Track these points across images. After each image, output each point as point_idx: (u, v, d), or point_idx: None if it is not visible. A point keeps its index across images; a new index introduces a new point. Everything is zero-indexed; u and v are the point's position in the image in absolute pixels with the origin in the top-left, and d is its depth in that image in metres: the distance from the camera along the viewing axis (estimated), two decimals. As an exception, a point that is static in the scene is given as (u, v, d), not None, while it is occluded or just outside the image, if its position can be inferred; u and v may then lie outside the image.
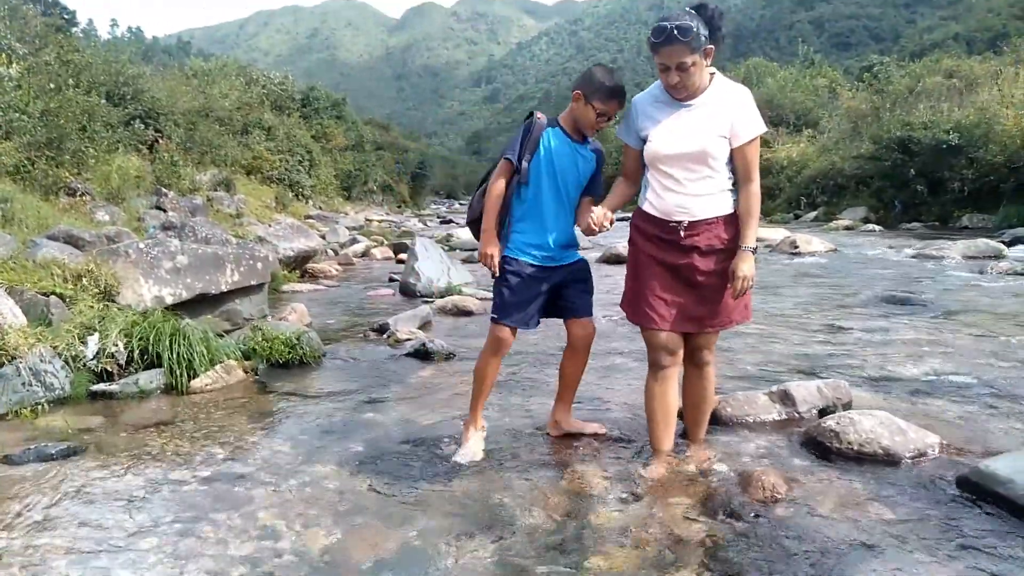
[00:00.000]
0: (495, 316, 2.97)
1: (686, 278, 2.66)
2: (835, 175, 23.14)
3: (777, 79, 34.67)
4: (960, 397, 3.62)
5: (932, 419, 3.25)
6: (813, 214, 22.55)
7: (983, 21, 67.42)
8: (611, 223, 2.73)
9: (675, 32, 2.40)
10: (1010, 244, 11.21)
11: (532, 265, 2.90)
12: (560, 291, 2.99)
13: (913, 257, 10.48)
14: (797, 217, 23.03)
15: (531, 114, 2.97)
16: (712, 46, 2.50)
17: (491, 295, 7.71)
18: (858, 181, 21.84)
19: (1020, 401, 3.53)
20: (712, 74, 2.60)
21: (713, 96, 2.58)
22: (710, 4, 2.49)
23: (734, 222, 2.63)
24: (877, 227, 17.74)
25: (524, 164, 2.88)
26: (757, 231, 2.64)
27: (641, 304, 2.74)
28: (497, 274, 2.92)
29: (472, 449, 2.97)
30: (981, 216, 16.86)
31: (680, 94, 2.56)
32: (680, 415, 3.00)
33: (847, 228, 17.92)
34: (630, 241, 2.81)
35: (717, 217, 2.61)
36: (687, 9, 2.48)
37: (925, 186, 18.28)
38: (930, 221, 18.04)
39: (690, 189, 2.59)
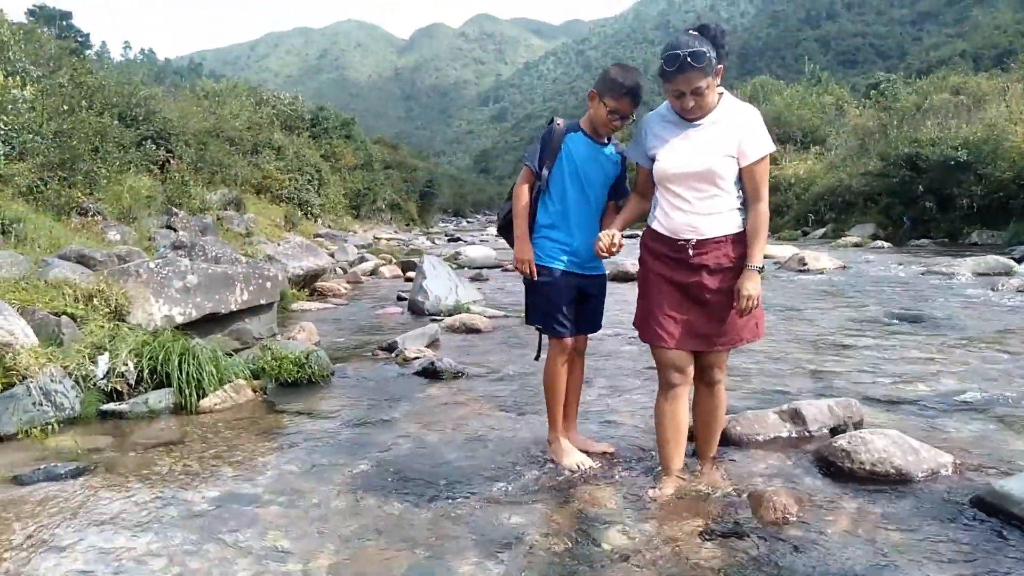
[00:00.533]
0: (540, 327, 3.03)
1: (695, 296, 2.65)
2: (843, 192, 23.13)
3: (784, 97, 34.79)
4: (972, 416, 3.59)
5: (945, 438, 3.22)
6: (821, 231, 22.50)
7: (989, 38, 67.57)
8: (619, 247, 2.74)
9: (688, 59, 2.42)
10: (1020, 261, 11.14)
11: (563, 272, 2.95)
12: (580, 303, 3.01)
13: (922, 274, 10.42)
14: (805, 234, 23.00)
15: (551, 120, 3.00)
16: (721, 66, 2.51)
17: (499, 313, 7.71)
18: (866, 198, 21.81)
19: (1034, 420, 3.49)
20: (720, 93, 2.61)
21: (721, 115, 2.59)
22: (711, 25, 2.51)
23: (742, 240, 2.62)
24: (886, 244, 17.68)
25: (544, 172, 2.92)
26: (764, 250, 2.64)
27: (650, 322, 2.73)
28: (534, 277, 2.95)
29: (572, 456, 3.01)
30: (990, 232, 16.79)
31: (694, 116, 2.58)
32: (691, 434, 2.98)
33: (856, 245, 17.86)
34: (640, 260, 2.81)
35: (726, 236, 2.61)
36: (691, 32, 2.49)
37: (934, 203, 18.24)
38: (939, 238, 17.97)
39: (698, 208, 2.59)
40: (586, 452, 3.14)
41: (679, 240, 2.63)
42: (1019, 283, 8.50)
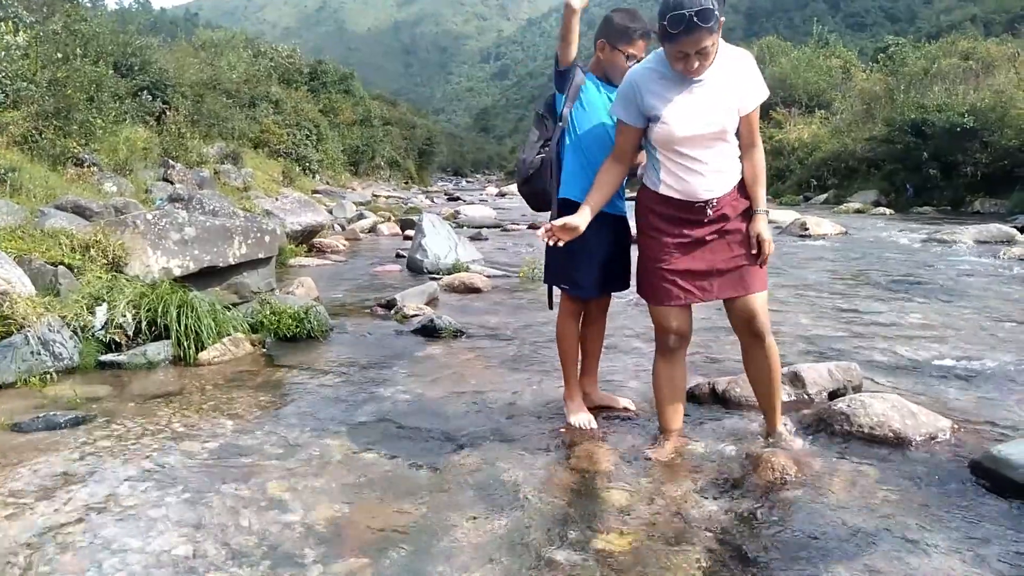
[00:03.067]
0: (566, 286, 2.96)
1: (713, 246, 2.57)
2: (847, 157, 22.92)
3: (791, 59, 34.18)
4: (971, 381, 3.60)
5: (943, 403, 3.22)
6: (823, 196, 22.37)
7: (1001, 3, 66.24)
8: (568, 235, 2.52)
9: (695, 19, 2.23)
10: (1023, 230, 11.09)
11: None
12: (608, 253, 2.92)
13: (924, 241, 10.38)
14: (807, 199, 22.86)
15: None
16: (723, 18, 2.34)
17: (499, 273, 7.67)
18: (870, 164, 21.63)
19: (1032, 387, 3.49)
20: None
21: (722, 67, 2.45)
22: None
23: (742, 184, 2.59)
24: (888, 210, 17.59)
25: (566, 110, 2.86)
26: (762, 193, 2.62)
27: (660, 282, 2.63)
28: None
29: (578, 416, 3.01)
30: (994, 201, 16.69)
31: (696, 74, 2.42)
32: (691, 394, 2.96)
33: (857, 211, 17.78)
34: (642, 224, 2.68)
35: (734, 186, 2.57)
36: None
37: (938, 170, 18.08)
38: (942, 205, 17.87)
39: (712, 167, 2.50)
40: (607, 407, 3.17)
41: (697, 203, 2.53)
42: (1021, 252, 8.47)
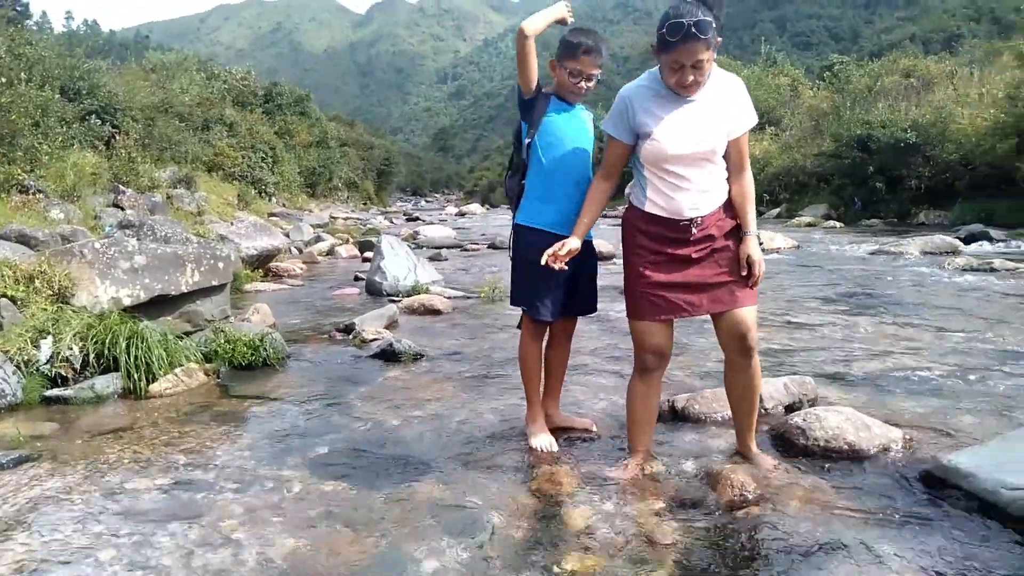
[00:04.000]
0: (524, 307, 2.96)
1: (700, 264, 2.58)
2: (797, 172, 23.57)
3: (741, 77, 34.99)
4: (922, 391, 3.69)
5: (895, 414, 3.29)
6: (776, 211, 22.91)
7: (938, 22, 69.18)
8: (568, 256, 2.61)
9: (694, 29, 2.24)
10: (966, 240, 11.50)
11: (548, 233, 2.81)
12: (574, 278, 2.92)
13: (873, 253, 10.68)
14: (760, 214, 23.25)
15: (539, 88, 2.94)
16: (720, 38, 2.37)
17: (459, 294, 7.66)
18: (819, 178, 22.27)
19: (979, 395, 3.60)
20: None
21: (714, 89, 2.49)
22: None
23: (730, 205, 2.62)
24: (838, 224, 18.09)
25: (527, 141, 2.88)
26: (751, 213, 2.66)
27: (645, 299, 2.61)
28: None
29: (539, 439, 2.99)
30: (937, 213, 17.31)
31: (692, 91, 2.44)
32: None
33: (809, 224, 18.24)
34: (629, 241, 2.67)
35: (720, 206, 2.60)
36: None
37: (884, 183, 18.69)
38: (889, 218, 18.45)
39: (699, 186, 2.52)
40: (568, 428, 3.17)
41: (682, 221, 2.54)
42: (964, 262, 8.77)
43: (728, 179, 2.62)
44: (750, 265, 2.59)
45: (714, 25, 2.29)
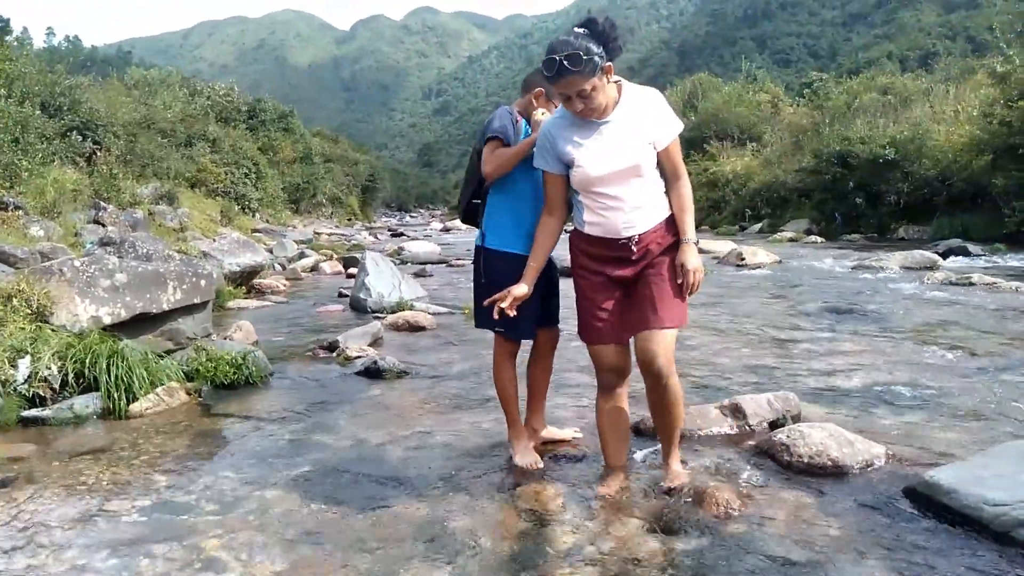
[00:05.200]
0: (500, 329, 2.93)
1: (637, 283, 2.60)
2: (778, 188, 23.81)
3: (722, 94, 35.50)
4: (903, 407, 3.72)
5: (878, 430, 3.32)
6: (758, 226, 23.12)
7: (915, 40, 70.47)
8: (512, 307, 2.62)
9: (565, 63, 2.31)
10: (944, 255, 11.66)
11: (520, 255, 2.83)
12: (544, 292, 2.95)
13: (853, 268, 10.79)
14: (743, 229, 23.59)
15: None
16: (610, 63, 2.41)
17: (444, 310, 7.63)
18: (800, 194, 22.51)
19: (960, 410, 3.63)
20: (618, 83, 2.54)
21: (627, 107, 2.53)
22: (599, 19, 2.42)
23: (672, 221, 2.62)
24: (819, 239, 18.27)
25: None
26: (690, 219, 2.61)
27: (588, 320, 2.69)
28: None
29: (524, 457, 2.99)
30: (916, 228, 17.54)
31: (589, 117, 2.50)
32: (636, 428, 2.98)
33: (791, 240, 18.42)
34: (573, 263, 2.72)
35: (659, 222, 2.60)
36: (575, 30, 2.40)
37: (863, 199, 18.92)
38: (869, 233, 18.67)
39: (631, 203, 2.54)
40: (555, 442, 3.19)
41: (620, 240, 2.58)
42: (943, 277, 8.88)
43: (666, 190, 2.64)
44: (685, 273, 2.56)
45: (592, 55, 2.33)
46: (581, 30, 2.39)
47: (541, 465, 2.97)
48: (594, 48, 2.35)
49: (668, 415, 2.71)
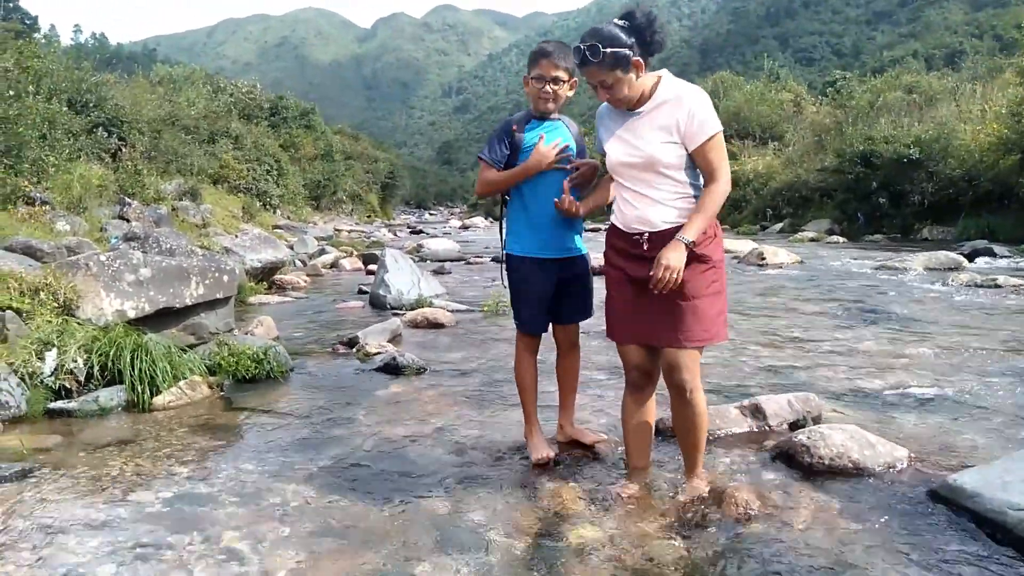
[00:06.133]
0: (516, 322, 3.10)
1: (651, 290, 2.52)
2: (800, 187, 23.58)
3: (744, 93, 35.27)
4: (926, 409, 3.67)
5: (900, 432, 3.28)
6: (779, 226, 22.91)
7: (940, 39, 69.45)
8: (578, 208, 2.82)
9: (586, 53, 2.39)
10: (970, 257, 11.48)
11: (535, 259, 2.98)
12: (562, 292, 3.02)
13: (876, 269, 10.67)
14: (764, 228, 23.39)
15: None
16: (640, 59, 2.41)
17: (462, 308, 7.65)
18: (822, 193, 22.27)
19: (984, 413, 3.59)
20: (659, 78, 2.52)
21: (660, 101, 2.50)
22: (637, 12, 2.41)
23: (705, 228, 2.50)
24: (841, 239, 18.07)
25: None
26: (701, 229, 2.43)
27: (610, 318, 2.71)
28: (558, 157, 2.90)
29: (539, 452, 2.99)
30: (941, 228, 17.29)
31: (620, 106, 2.53)
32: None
33: (812, 240, 18.23)
34: (605, 257, 2.74)
35: (680, 226, 2.48)
36: (615, 22, 2.43)
37: (887, 199, 18.68)
38: (892, 233, 18.43)
39: (650, 198, 2.52)
40: (576, 442, 3.19)
41: (633, 234, 2.57)
42: (968, 278, 8.75)
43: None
44: (656, 266, 2.39)
45: (615, 48, 2.37)
46: (621, 22, 2.43)
47: (551, 455, 2.97)
48: (624, 40, 2.38)
49: (689, 433, 2.66)
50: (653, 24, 2.41)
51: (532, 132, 2.95)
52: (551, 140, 2.92)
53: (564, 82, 2.88)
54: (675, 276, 2.38)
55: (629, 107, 2.53)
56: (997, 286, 8.21)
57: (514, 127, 2.96)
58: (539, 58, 2.87)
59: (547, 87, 2.86)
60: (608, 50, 2.37)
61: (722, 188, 2.46)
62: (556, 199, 2.86)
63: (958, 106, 21.21)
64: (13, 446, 3.21)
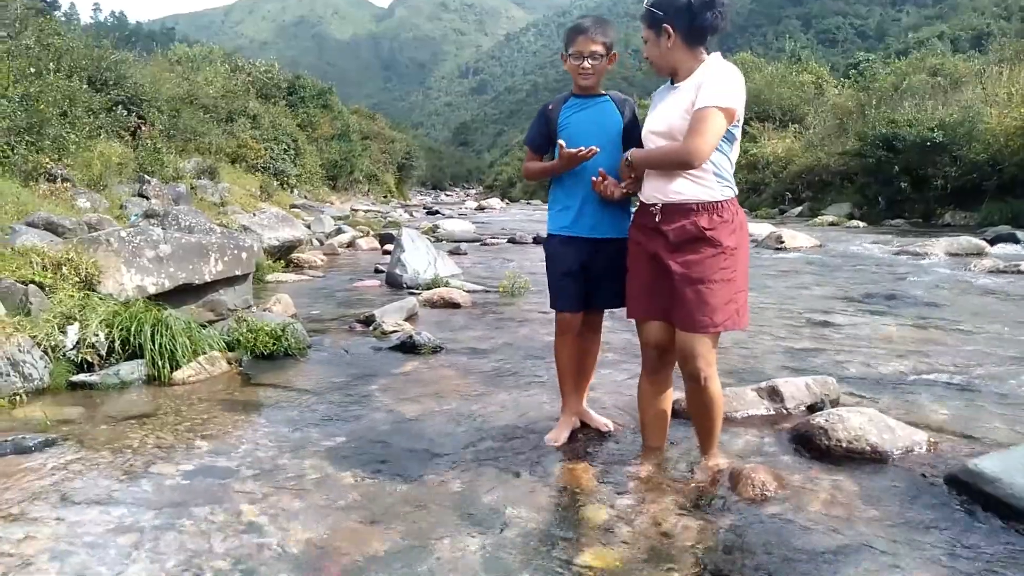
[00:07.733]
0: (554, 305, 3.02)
1: (664, 267, 2.52)
2: (820, 171, 23.25)
3: (764, 74, 34.68)
4: (945, 394, 3.64)
5: (919, 416, 3.26)
6: (798, 209, 22.65)
7: (967, 20, 67.96)
8: (616, 187, 2.74)
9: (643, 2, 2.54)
10: (992, 242, 11.30)
11: (565, 238, 2.91)
12: (593, 274, 2.92)
13: (897, 254, 10.54)
14: (783, 212, 23.13)
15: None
16: (671, 27, 2.45)
17: (478, 288, 7.65)
18: (843, 177, 21.96)
19: (1005, 399, 3.55)
20: (700, 56, 2.51)
21: (694, 79, 2.48)
22: None
23: (720, 211, 2.46)
24: (861, 223, 17.84)
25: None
26: (642, 158, 2.58)
27: (629, 294, 2.72)
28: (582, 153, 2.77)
29: (558, 432, 3.01)
30: (963, 214, 17.01)
31: (658, 72, 2.62)
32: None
33: (832, 224, 18.02)
34: (629, 233, 2.75)
35: (696, 202, 2.46)
36: None
37: (909, 183, 18.38)
38: (913, 218, 18.17)
39: (666, 170, 2.53)
40: (583, 424, 3.16)
41: (650, 205, 2.57)
42: (991, 264, 8.63)
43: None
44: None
45: (657, 7, 2.48)
46: None
47: (560, 441, 2.97)
48: (672, 4, 2.44)
49: (704, 417, 2.67)
50: (708, 3, 2.41)
51: (569, 111, 2.91)
52: (588, 125, 2.87)
53: (603, 56, 2.84)
54: (628, 168, 2.66)
55: (671, 78, 2.59)
56: (1020, 272, 8.09)
57: (549, 107, 2.95)
58: (575, 35, 2.83)
59: (585, 62, 2.82)
60: (650, 8, 2.45)
61: (682, 149, 2.42)
62: (593, 178, 2.79)
63: (984, 89, 20.77)
64: (37, 417, 3.27)
